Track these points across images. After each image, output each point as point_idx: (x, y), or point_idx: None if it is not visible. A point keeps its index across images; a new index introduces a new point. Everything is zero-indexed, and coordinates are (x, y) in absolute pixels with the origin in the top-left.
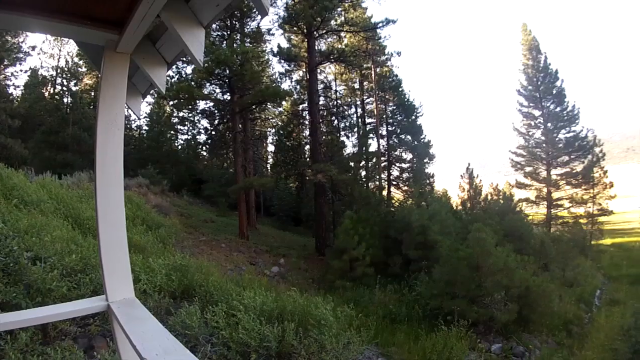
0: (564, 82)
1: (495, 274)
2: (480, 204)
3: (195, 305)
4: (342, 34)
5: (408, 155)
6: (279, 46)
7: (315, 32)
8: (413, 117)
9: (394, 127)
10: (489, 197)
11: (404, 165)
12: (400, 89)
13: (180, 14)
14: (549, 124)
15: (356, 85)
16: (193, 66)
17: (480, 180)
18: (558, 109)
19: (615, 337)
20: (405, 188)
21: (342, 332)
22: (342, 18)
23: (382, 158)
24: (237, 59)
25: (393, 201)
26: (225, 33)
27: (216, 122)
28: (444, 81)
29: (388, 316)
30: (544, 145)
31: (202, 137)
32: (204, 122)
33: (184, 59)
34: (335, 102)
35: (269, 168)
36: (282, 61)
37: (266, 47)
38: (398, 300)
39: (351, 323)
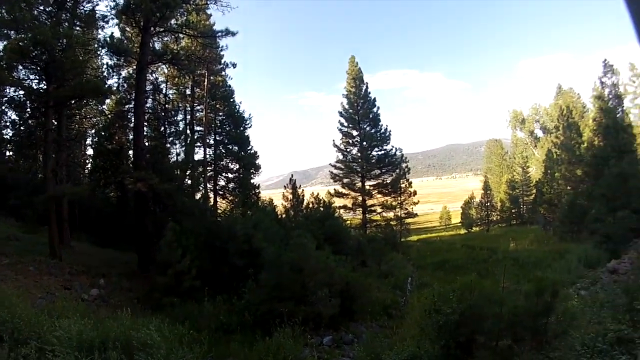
0: (379, 109)
1: (317, 274)
2: (303, 212)
3: (4, 346)
4: (181, 36)
5: (235, 166)
6: (110, 36)
7: (152, 28)
8: (241, 128)
9: (222, 137)
10: (311, 205)
11: (231, 175)
12: (231, 100)
13: None
14: (364, 143)
15: (188, 91)
16: (5, 42)
17: (303, 190)
18: (373, 130)
19: (424, 316)
20: (232, 198)
21: (173, 352)
22: (184, 19)
23: (209, 167)
24: (59, 42)
25: (219, 211)
26: (53, 9)
27: (27, 115)
28: (275, 97)
29: (220, 328)
30: (360, 160)
31: (9, 133)
32: (12, 115)
33: None
34: (163, 106)
35: (86, 174)
36: (112, 54)
37: (98, 34)
38: (228, 310)
39: (182, 341)
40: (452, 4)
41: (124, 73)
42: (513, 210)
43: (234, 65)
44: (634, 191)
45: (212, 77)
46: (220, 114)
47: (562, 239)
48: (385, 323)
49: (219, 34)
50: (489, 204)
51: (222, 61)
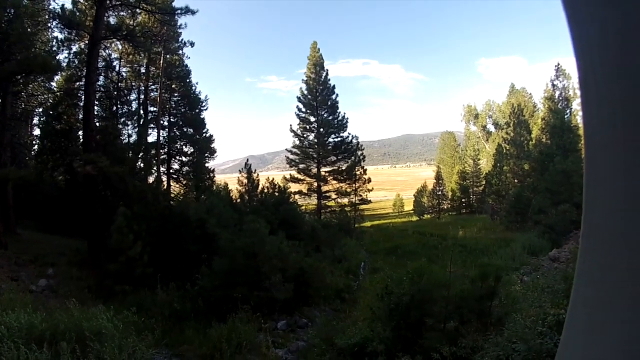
0: (338, 96)
1: (270, 259)
2: (258, 197)
3: None
4: (138, 11)
5: (189, 149)
6: (62, 8)
7: (107, 1)
8: (197, 110)
9: (176, 119)
10: (266, 190)
11: (185, 159)
12: (187, 80)
13: None
14: (321, 129)
15: (142, 70)
16: None
17: (258, 175)
18: (330, 117)
19: (376, 299)
20: (185, 182)
21: (125, 340)
22: None
23: (162, 150)
24: (5, 12)
25: (172, 195)
26: None
27: None
28: (234, 79)
29: (174, 315)
30: (316, 146)
31: None
32: None
33: None
34: (116, 85)
35: (33, 156)
36: (62, 27)
37: (49, 5)
38: (182, 297)
39: (135, 329)
40: None
41: (75, 48)
42: (463, 200)
43: (192, 44)
44: (575, 187)
45: (168, 56)
46: (176, 94)
47: (508, 228)
48: (338, 307)
49: (178, 11)
50: (440, 193)
51: (180, 39)
